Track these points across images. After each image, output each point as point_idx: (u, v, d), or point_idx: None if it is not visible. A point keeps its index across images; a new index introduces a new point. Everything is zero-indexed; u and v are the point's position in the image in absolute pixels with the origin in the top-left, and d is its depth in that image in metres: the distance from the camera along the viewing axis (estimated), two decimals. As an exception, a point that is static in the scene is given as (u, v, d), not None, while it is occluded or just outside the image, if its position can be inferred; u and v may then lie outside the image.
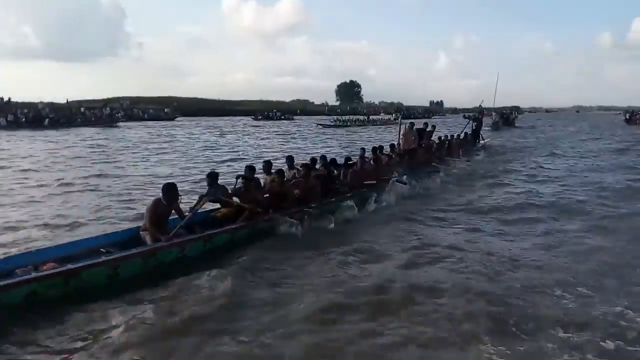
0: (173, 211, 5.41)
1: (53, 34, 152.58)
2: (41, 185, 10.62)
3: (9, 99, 43.38)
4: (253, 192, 6.35)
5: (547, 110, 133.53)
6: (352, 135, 31.88)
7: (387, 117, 59.55)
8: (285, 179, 6.95)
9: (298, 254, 5.59)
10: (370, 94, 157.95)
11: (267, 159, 8.12)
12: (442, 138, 15.38)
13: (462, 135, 17.65)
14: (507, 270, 5.24)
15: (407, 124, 12.71)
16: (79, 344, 3.57)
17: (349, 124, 46.86)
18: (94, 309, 4.04)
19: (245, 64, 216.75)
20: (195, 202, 5.97)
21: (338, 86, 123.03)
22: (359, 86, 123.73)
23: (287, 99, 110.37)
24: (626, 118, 46.97)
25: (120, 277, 4.48)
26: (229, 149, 21.10)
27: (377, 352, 3.56)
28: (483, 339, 3.67)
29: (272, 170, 7.29)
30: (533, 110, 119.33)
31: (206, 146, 22.31)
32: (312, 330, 3.84)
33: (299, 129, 40.65)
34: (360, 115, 63.57)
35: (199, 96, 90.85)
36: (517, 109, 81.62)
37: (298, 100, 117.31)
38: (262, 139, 28.46)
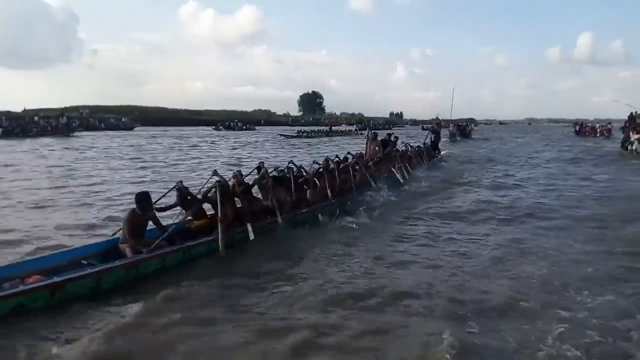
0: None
1: (1, 39, 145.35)
2: (35, 194, 10.69)
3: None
4: (226, 204, 6.42)
5: (500, 122, 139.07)
6: (317, 146, 32.24)
7: (348, 128, 60.47)
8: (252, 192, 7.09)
9: (273, 262, 5.77)
10: (331, 104, 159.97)
11: (238, 169, 8.19)
12: (404, 149, 15.90)
13: (422, 147, 18.35)
14: (479, 262, 5.85)
15: (371, 135, 13.09)
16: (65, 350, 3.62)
17: (312, 135, 47.17)
18: (77, 315, 4.16)
19: (204, 72, 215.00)
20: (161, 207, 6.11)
21: (300, 97, 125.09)
22: (321, 97, 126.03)
23: (249, 109, 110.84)
24: (575, 130, 49.67)
25: (102, 287, 4.57)
26: (202, 159, 21.03)
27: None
28: (465, 316, 4.22)
29: (245, 181, 7.36)
30: (488, 123, 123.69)
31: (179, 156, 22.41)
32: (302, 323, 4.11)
33: (263, 139, 40.64)
34: (322, 126, 64.39)
35: (158, 105, 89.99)
36: (472, 121, 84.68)
37: (260, 110, 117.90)
38: (233, 148, 28.51)
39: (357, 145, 32.74)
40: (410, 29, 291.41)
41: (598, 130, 43.51)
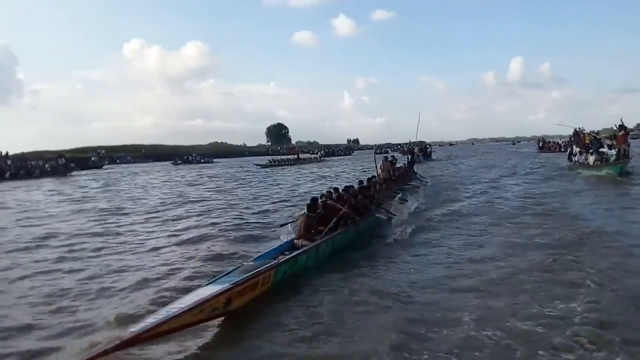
0: None
1: None
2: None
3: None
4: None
5: (450, 144, 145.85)
6: (296, 173, 34.28)
7: (312, 156, 63.14)
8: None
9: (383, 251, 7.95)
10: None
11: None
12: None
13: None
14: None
15: (383, 158, 15.67)
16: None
17: (283, 163, 49.45)
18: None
19: (152, 108, 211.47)
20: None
21: (268, 128, 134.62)
22: (286, 128, 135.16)
23: (201, 142, 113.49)
24: (539, 146, 53.18)
25: (308, 263, 6.58)
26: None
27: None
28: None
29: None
30: (442, 144, 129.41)
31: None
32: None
33: (240, 170, 42.34)
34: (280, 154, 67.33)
35: (106, 142, 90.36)
36: (422, 143, 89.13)
37: (216, 143, 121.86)
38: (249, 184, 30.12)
39: (319, 170, 35.75)
40: (353, 60, 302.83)
41: (562, 145, 44.60)
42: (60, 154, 45.76)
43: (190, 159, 66.50)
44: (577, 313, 4.64)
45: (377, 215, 9.26)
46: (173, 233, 10.34)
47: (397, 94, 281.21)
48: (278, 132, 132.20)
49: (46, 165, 42.33)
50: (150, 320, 3.99)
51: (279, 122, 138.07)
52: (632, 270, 5.98)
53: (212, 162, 67.76)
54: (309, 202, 7.98)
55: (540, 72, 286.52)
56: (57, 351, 4.38)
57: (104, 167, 57.44)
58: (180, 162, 64.19)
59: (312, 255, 6.78)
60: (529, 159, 36.25)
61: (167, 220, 12.43)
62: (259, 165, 45.83)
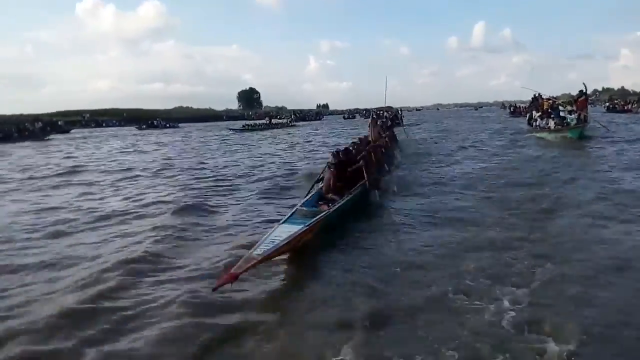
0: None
1: None
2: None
3: None
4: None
5: (417, 109, 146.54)
6: (274, 137, 34.94)
7: (283, 121, 63.51)
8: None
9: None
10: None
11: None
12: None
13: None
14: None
15: (372, 120, 16.81)
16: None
17: (256, 128, 49.75)
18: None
19: (107, 70, 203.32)
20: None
21: (239, 93, 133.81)
22: (257, 93, 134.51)
23: (164, 106, 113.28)
24: (510, 111, 55.52)
25: (338, 213, 7.42)
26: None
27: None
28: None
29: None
30: (409, 110, 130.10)
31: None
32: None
33: (216, 134, 42.61)
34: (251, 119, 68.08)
35: (59, 108, 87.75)
36: (390, 109, 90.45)
37: (181, 107, 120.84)
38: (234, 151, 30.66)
39: (289, 135, 36.60)
40: (317, 22, 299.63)
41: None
42: (37, 117, 44.85)
43: (155, 124, 67.03)
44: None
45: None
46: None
47: (362, 58, 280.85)
48: (249, 97, 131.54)
49: (13, 128, 41.40)
50: (264, 247, 5.16)
51: (251, 86, 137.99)
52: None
53: (177, 126, 68.29)
54: (331, 160, 8.84)
55: (502, 37, 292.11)
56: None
57: (72, 131, 56.07)
58: (144, 126, 64.87)
59: (342, 207, 7.64)
60: (498, 124, 38.45)
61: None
62: (232, 129, 46.06)
